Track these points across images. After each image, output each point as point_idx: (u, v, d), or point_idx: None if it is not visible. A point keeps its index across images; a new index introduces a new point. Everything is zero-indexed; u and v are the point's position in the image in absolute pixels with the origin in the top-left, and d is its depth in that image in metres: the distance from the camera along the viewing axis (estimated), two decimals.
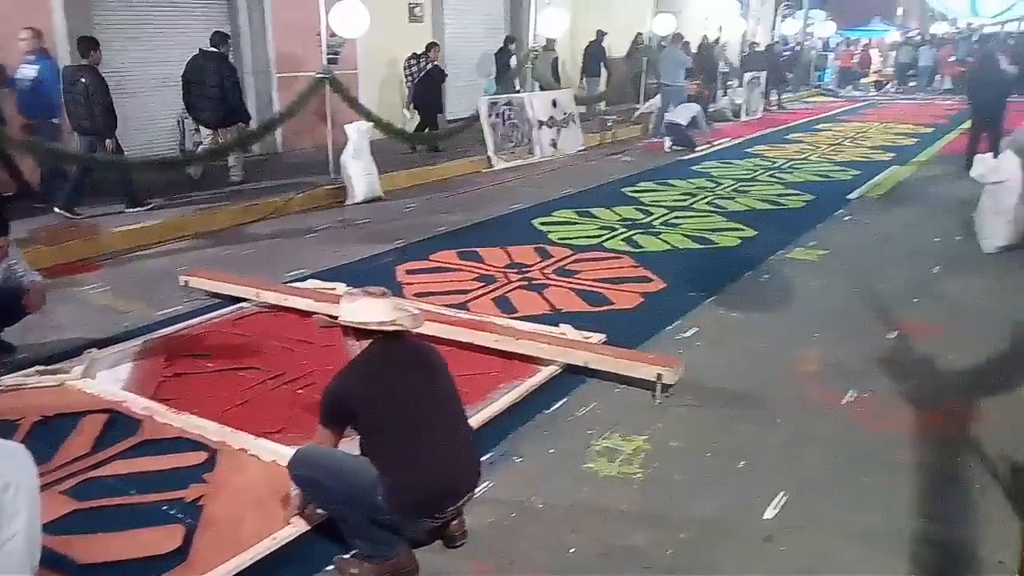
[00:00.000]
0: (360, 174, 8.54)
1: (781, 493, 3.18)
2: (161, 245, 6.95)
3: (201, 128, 8.84)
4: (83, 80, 7.14)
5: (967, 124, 11.08)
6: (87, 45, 7.29)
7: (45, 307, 4.52)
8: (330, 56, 9.02)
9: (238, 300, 5.30)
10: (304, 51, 9.61)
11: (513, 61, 13.14)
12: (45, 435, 3.58)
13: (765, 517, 3.05)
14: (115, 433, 3.60)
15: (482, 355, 4.37)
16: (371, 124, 8.91)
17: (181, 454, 3.42)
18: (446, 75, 11.54)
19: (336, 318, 2.82)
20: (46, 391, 3.99)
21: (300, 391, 4.02)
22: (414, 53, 11.44)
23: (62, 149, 7.56)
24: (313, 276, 5.90)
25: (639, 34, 15.99)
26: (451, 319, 4.73)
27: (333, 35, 8.94)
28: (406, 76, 11.57)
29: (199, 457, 3.39)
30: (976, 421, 3.78)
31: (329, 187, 8.69)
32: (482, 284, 5.83)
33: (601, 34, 15.21)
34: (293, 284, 5.61)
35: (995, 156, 7.27)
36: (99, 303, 5.50)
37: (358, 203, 8.52)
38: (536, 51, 12.71)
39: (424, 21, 12.49)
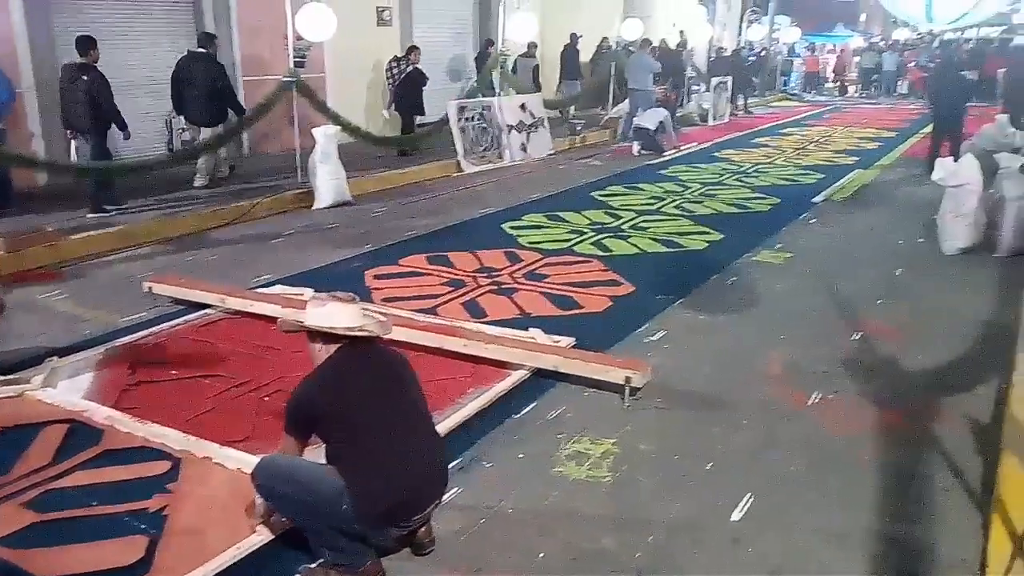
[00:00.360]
0: (328, 178, 8.48)
1: (748, 495, 3.20)
2: (124, 251, 6.84)
3: (190, 127, 8.79)
4: (84, 78, 7.19)
5: (929, 128, 11.31)
6: (85, 44, 7.34)
7: (4, 315, 4.42)
8: (297, 59, 8.97)
9: (203, 306, 5.22)
10: (271, 54, 9.54)
11: (507, 63, 13.26)
12: (4, 446, 3.49)
13: (733, 519, 3.07)
14: (76, 443, 3.52)
15: (451, 360, 4.36)
16: (339, 128, 8.85)
17: (144, 464, 3.36)
18: (427, 78, 11.55)
19: (302, 323, 2.78)
20: (5, 401, 3.90)
21: (266, 398, 3.98)
22: (396, 56, 11.48)
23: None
24: (280, 282, 5.84)
25: (604, 38, 16.09)
26: (420, 324, 4.71)
27: (300, 39, 8.88)
28: (388, 78, 11.59)
29: (162, 467, 3.33)
30: (938, 421, 3.84)
31: (296, 191, 8.62)
32: (451, 288, 5.81)
33: (575, 37, 15.33)
34: (259, 290, 5.55)
35: (956, 160, 7.43)
36: (60, 310, 5.39)
37: (326, 207, 8.46)
38: (506, 55, 12.74)
39: (392, 25, 12.46)
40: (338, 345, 2.73)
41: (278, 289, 5.59)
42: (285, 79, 8.64)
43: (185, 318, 5.09)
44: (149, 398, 4.00)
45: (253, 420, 3.76)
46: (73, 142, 7.62)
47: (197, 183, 8.70)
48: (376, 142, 10.63)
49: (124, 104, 9.24)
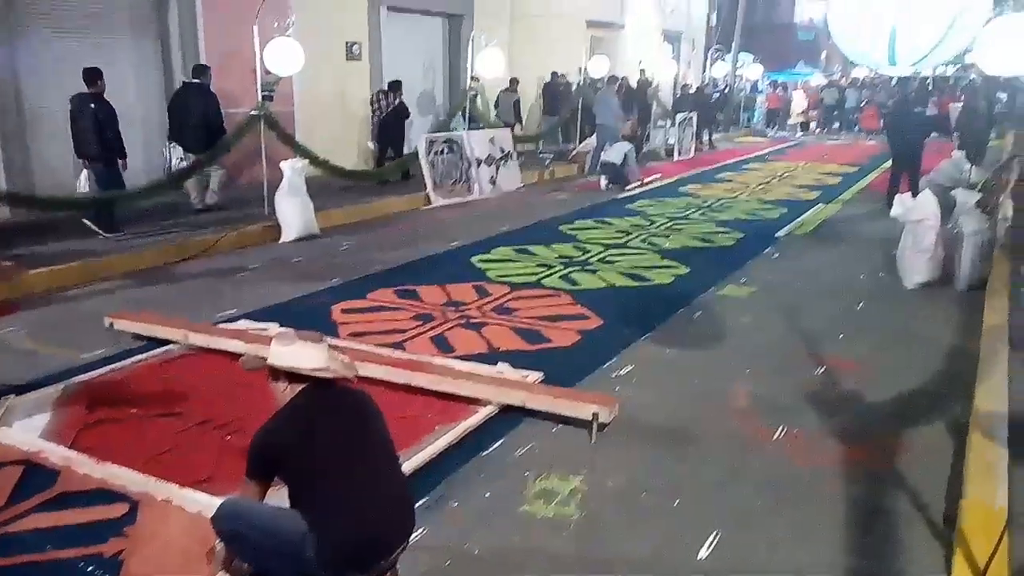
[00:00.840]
0: (295, 211, 8.44)
1: (715, 532, 3.21)
2: (86, 285, 6.71)
3: (186, 156, 8.88)
4: (92, 106, 7.53)
5: (888, 164, 11.59)
6: (92, 75, 7.66)
7: None
8: (265, 93, 8.96)
9: (165, 342, 5.14)
10: (239, 88, 9.51)
11: (478, 99, 13.51)
12: None
13: (699, 557, 3.07)
14: (31, 485, 3.42)
15: (418, 396, 4.33)
16: (306, 161, 8.84)
17: (101, 507, 3.27)
18: (409, 112, 12.04)
19: (266, 360, 2.73)
20: None
21: (228, 437, 3.90)
22: (381, 89, 11.82)
23: None
24: (245, 316, 5.77)
25: (559, 74, 16.34)
26: (387, 359, 4.68)
27: (268, 73, 8.89)
28: (373, 111, 11.89)
29: (120, 509, 3.24)
30: (900, 454, 3.89)
31: (264, 224, 8.56)
32: (420, 323, 5.79)
33: (556, 75, 15.63)
34: (224, 325, 5.48)
35: (914, 195, 7.61)
36: (17, 347, 5.27)
37: (293, 241, 8.41)
38: (474, 90, 12.87)
39: (362, 59, 12.52)
40: (302, 386, 2.68)
41: (243, 324, 5.52)
42: (253, 112, 8.63)
43: (147, 354, 5.00)
44: (108, 437, 3.91)
45: (215, 460, 3.68)
46: (84, 170, 7.87)
47: (209, 201, 9.11)
48: (344, 175, 10.63)
49: None
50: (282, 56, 8.58)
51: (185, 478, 3.44)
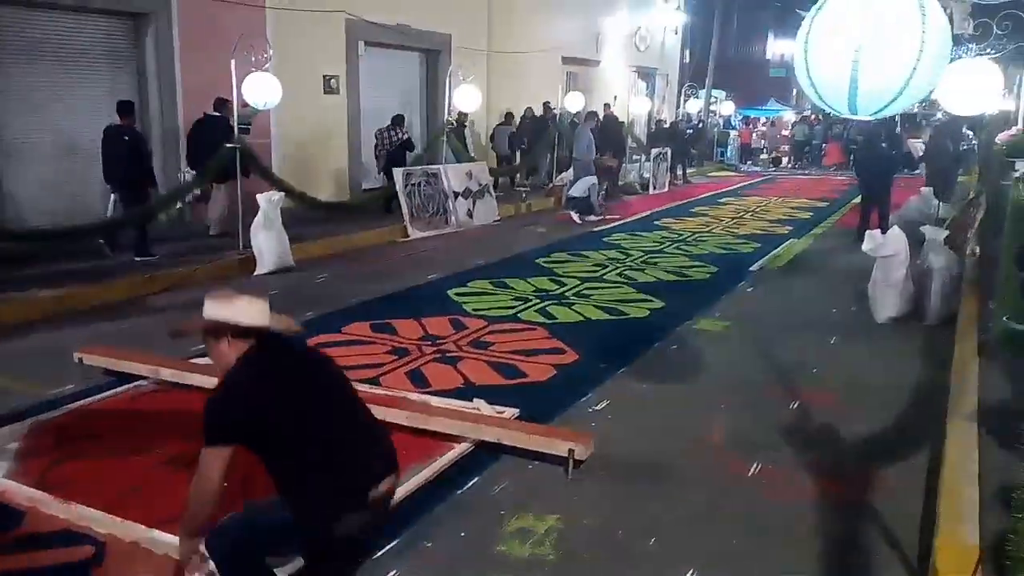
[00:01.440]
0: (270, 243, 8.41)
1: (691, 571, 3.19)
2: (56, 318, 6.61)
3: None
4: (125, 137, 8.06)
5: (858, 199, 11.80)
6: (126, 107, 8.27)
7: None
8: (242, 126, 8.97)
9: (136, 378, 5.06)
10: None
11: (468, 133, 13.76)
12: None
13: None
14: None
15: (393, 433, 4.27)
16: (283, 194, 8.82)
17: (67, 548, 3.19)
18: (415, 145, 12.68)
19: (205, 319, 2.54)
20: None
21: None
22: (385, 127, 12.42)
23: None
24: None
25: (528, 108, 16.56)
26: (362, 395, 4.62)
27: (245, 105, 8.90)
28: (377, 145, 12.46)
29: (86, 552, 3.17)
30: (874, 490, 3.91)
31: (239, 256, 8.51)
32: (395, 357, 5.76)
33: (548, 108, 15.87)
34: (196, 360, 5.41)
35: (884, 231, 7.75)
36: None
37: (268, 273, 8.36)
38: (452, 124, 12.98)
39: (340, 93, 12.58)
40: (248, 344, 2.53)
41: None
42: (228, 144, 8.62)
43: (116, 390, 4.92)
44: (75, 476, 3.83)
45: (184, 499, 3.60)
46: (112, 196, 8.40)
47: (212, 231, 9.51)
48: (321, 208, 10.62)
49: (61, 169, 9.15)
50: (260, 89, 8.60)
51: (153, 518, 3.37)
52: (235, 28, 9.52)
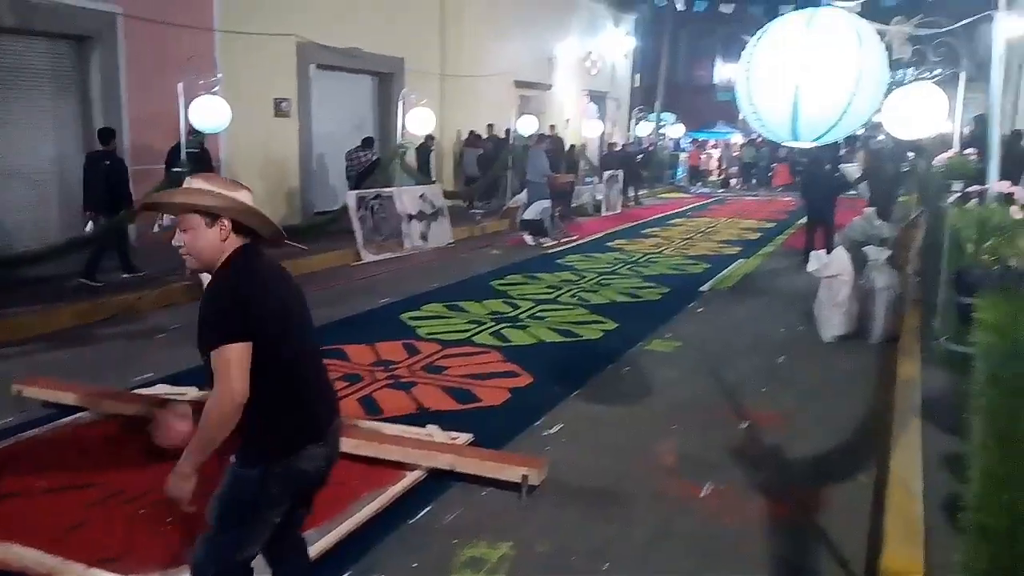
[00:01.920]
0: None
1: None
2: None
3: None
4: (106, 163, 8.09)
5: (804, 220, 12.07)
6: (107, 134, 8.32)
7: None
8: (190, 150, 8.83)
9: (77, 410, 4.91)
10: (163, 144, 9.33)
11: (432, 157, 13.78)
12: None
13: None
14: None
15: (343, 462, 4.18)
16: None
17: None
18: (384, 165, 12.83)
19: (218, 195, 2.29)
20: None
21: (142, 511, 3.72)
22: (357, 146, 12.50)
23: None
24: (163, 380, 5.57)
25: (471, 132, 16.73)
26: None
27: (192, 131, 8.77)
28: (348, 166, 12.55)
29: None
30: (822, 510, 3.97)
31: (185, 283, 8.34)
32: (347, 384, 5.68)
33: (510, 133, 15.98)
34: (140, 390, 5.28)
35: (829, 251, 7.93)
36: None
37: None
38: (404, 147, 12.97)
39: (291, 116, 12.49)
40: (241, 242, 2.34)
41: (160, 389, 5.33)
42: (175, 169, 8.48)
43: (56, 423, 4.76)
44: (12, 513, 3.68)
45: (127, 536, 3.50)
46: (91, 221, 8.33)
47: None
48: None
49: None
50: (208, 113, 8.49)
51: (95, 557, 3.26)
52: (183, 51, 9.42)
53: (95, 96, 9.64)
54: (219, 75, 8.79)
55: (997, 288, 2.07)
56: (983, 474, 2.17)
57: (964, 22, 3.35)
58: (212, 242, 2.31)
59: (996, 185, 2.36)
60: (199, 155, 8.61)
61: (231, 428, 2.27)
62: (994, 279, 2.13)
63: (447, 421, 4.85)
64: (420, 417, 5.01)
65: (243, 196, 2.34)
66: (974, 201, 2.34)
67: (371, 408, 5.22)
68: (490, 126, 16.61)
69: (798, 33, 2.43)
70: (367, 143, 12.63)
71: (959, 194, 5.76)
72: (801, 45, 2.40)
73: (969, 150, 7.77)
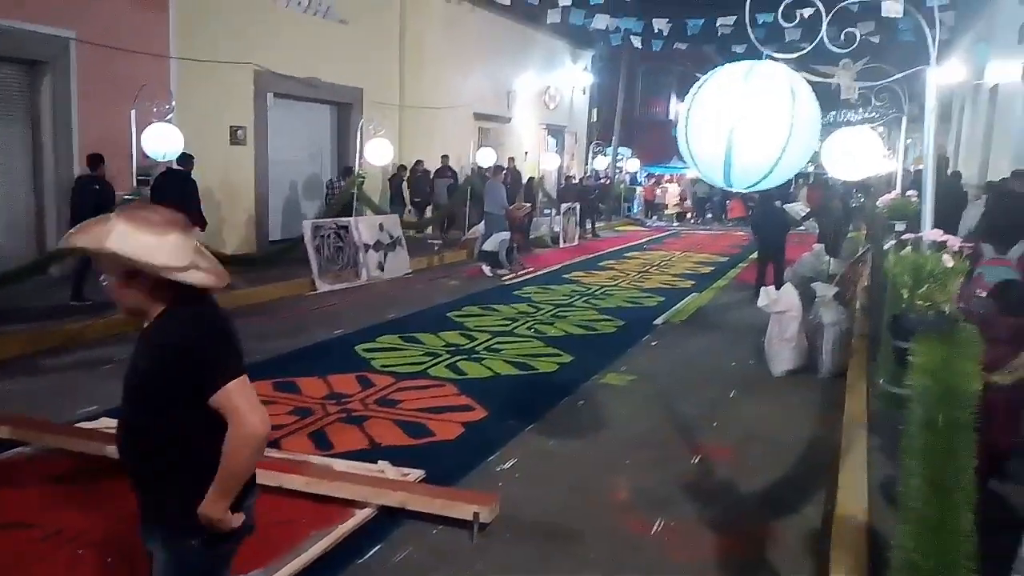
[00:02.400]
0: None
1: None
2: None
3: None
4: (95, 187, 8.17)
5: (755, 254, 12.33)
6: (96, 159, 8.36)
7: None
8: (141, 178, 8.72)
9: (17, 444, 4.75)
10: (115, 172, 9.19)
11: (404, 185, 13.80)
12: None
13: None
14: None
15: (292, 499, 4.15)
16: None
17: None
18: (366, 195, 13.04)
19: (144, 262, 2.04)
20: None
21: (81, 551, 3.61)
22: (337, 176, 12.85)
23: None
24: (107, 414, 5.40)
25: (444, 160, 16.85)
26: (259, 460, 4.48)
27: (146, 157, 8.67)
28: (328, 194, 12.92)
29: None
30: (772, 544, 4.02)
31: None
32: (298, 418, 5.60)
33: (478, 168, 16.06)
34: (83, 424, 5.13)
35: (779, 286, 8.11)
36: None
37: None
38: (363, 177, 12.96)
39: (247, 144, 12.41)
40: (174, 296, 2.12)
41: (105, 422, 5.18)
42: (127, 197, 8.35)
43: None
44: None
45: None
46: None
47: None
48: (226, 261, 10.34)
49: None
50: (161, 141, 8.41)
51: None
52: (137, 78, 9.32)
53: (45, 121, 9.47)
54: (173, 103, 8.72)
55: (931, 333, 2.15)
56: (915, 516, 2.22)
57: (897, 76, 3.49)
58: (134, 295, 2.15)
59: (929, 233, 2.46)
60: (182, 182, 8.60)
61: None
62: (928, 324, 2.21)
63: (399, 456, 4.81)
64: (372, 453, 4.96)
65: (169, 241, 2.08)
66: (908, 248, 2.44)
67: (322, 443, 5.15)
68: (444, 157, 16.68)
69: (737, 83, 2.52)
70: (347, 172, 12.68)
71: (894, 242, 5.96)
72: (739, 95, 2.49)
73: (911, 192, 8.05)
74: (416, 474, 4.52)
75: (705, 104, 2.62)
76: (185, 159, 8.95)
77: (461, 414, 5.86)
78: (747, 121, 2.47)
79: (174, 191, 8.45)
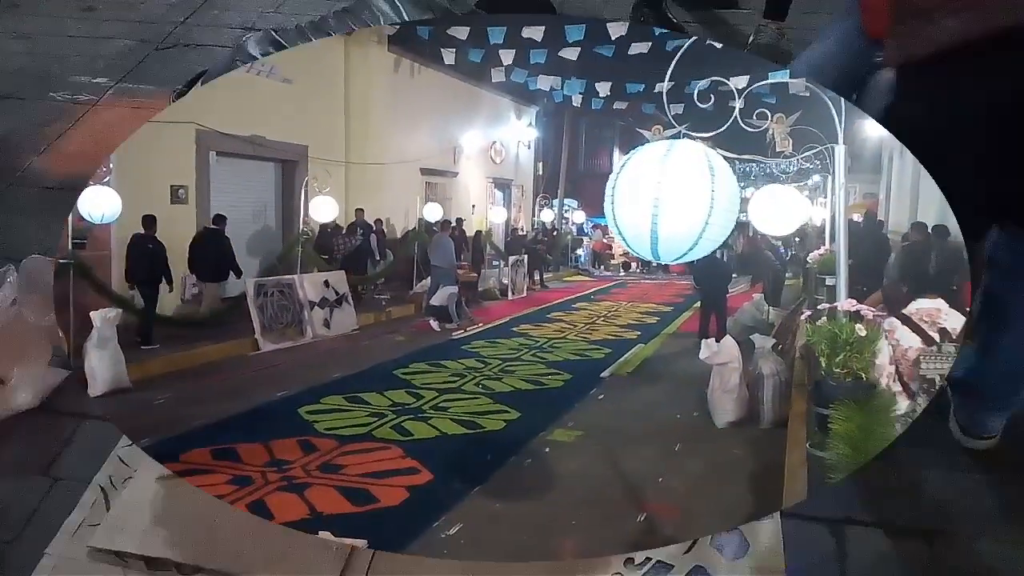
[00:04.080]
0: (104, 364, 7.83)
1: None
2: None
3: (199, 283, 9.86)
4: (150, 247, 8.98)
5: (698, 304, 12.52)
6: (150, 220, 9.29)
7: None
8: (76, 241, 8.52)
9: None
10: None
11: (373, 241, 13.78)
12: None
13: None
14: None
15: None
16: (119, 311, 8.36)
17: None
18: (374, 250, 13.06)
19: None
20: None
21: None
22: (343, 232, 12.67)
23: None
24: None
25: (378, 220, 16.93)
26: None
27: (82, 219, 8.49)
28: (335, 251, 12.49)
29: None
30: None
31: (67, 376, 7.90)
32: (236, 488, 5.46)
33: (439, 223, 16.08)
34: None
35: (721, 335, 8.24)
36: None
37: (100, 395, 7.78)
38: (307, 235, 12.87)
39: (188, 203, 12.23)
40: None
41: None
42: (61, 260, 8.15)
43: None
44: None
45: None
46: (132, 291, 8.87)
47: None
48: (166, 323, 10.11)
49: None
50: (98, 203, 8.26)
51: None
52: None
53: None
54: (111, 164, 8.59)
55: (849, 400, 2.23)
56: None
57: (814, 150, 3.67)
58: None
59: (843, 304, 2.57)
60: (217, 240, 10.03)
61: None
62: (847, 391, 2.29)
63: (342, 525, 4.72)
64: (313, 522, 4.86)
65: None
66: (823, 319, 2.54)
67: (261, 513, 5.02)
68: (359, 211, 16.74)
69: (657, 163, 2.63)
70: (352, 229, 12.75)
71: (808, 313, 6.21)
72: (659, 173, 2.59)
73: (833, 246, 8.32)
74: (360, 544, 4.43)
75: (629, 181, 2.71)
76: (219, 219, 10.09)
77: (406, 477, 5.79)
78: (669, 196, 2.56)
79: (211, 247, 9.71)
